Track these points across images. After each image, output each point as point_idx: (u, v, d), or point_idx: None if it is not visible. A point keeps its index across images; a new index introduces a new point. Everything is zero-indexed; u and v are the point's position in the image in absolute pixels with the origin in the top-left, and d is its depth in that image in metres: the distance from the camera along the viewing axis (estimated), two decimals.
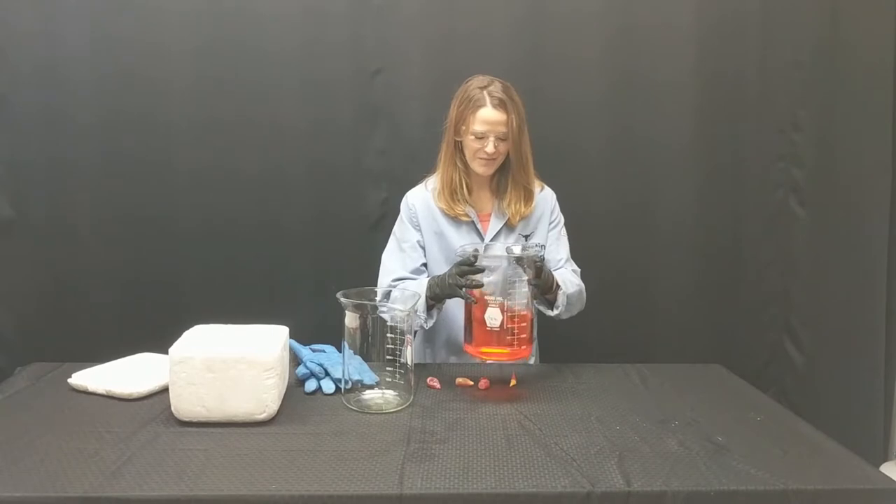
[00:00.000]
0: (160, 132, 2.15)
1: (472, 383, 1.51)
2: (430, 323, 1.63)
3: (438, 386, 1.51)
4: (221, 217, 2.19)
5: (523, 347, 1.46)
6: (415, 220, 1.74)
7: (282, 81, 2.16)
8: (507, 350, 1.44)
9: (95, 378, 1.44)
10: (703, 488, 1.07)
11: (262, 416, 1.27)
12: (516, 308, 1.43)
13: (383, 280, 1.71)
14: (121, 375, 1.46)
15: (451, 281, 1.48)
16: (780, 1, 2.23)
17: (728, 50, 2.24)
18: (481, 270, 1.45)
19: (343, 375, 1.40)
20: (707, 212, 2.29)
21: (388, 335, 1.37)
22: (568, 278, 1.68)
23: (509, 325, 1.42)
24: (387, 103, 2.19)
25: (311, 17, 2.15)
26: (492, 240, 1.73)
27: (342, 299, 1.35)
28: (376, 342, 1.37)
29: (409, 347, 1.39)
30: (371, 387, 1.41)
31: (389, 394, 1.40)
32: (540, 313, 1.62)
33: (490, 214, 1.75)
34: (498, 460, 1.14)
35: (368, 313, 1.36)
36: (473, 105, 1.63)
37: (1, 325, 2.17)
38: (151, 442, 1.19)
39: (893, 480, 1.13)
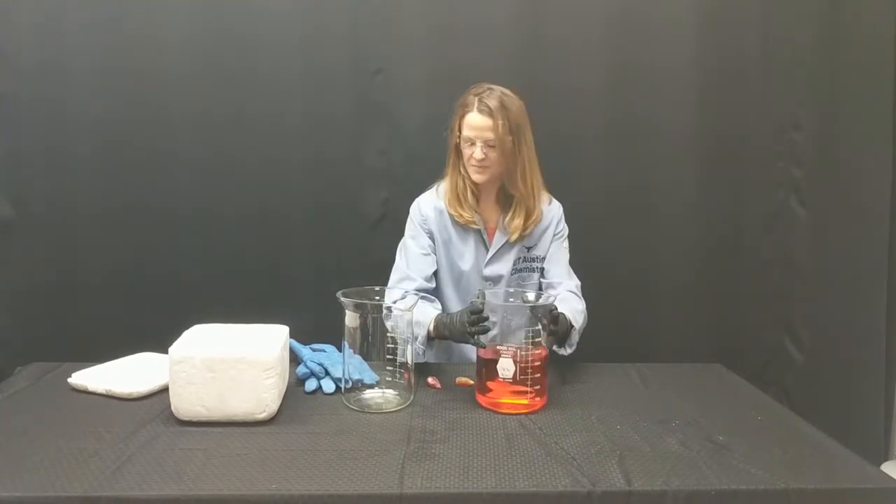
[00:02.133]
0: (160, 132, 2.15)
1: (472, 383, 1.51)
2: (430, 354, 1.63)
3: (438, 386, 1.51)
4: (222, 217, 2.19)
5: (538, 399, 1.40)
6: (426, 226, 1.73)
7: (282, 81, 2.16)
8: (522, 401, 1.38)
9: (95, 378, 1.44)
10: (704, 488, 1.07)
11: (262, 416, 1.27)
12: (530, 358, 1.37)
13: (394, 277, 1.70)
14: (121, 375, 1.46)
15: (461, 328, 1.44)
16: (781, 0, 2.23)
17: (728, 49, 2.23)
18: (487, 319, 1.41)
19: (343, 375, 1.40)
20: (707, 211, 2.29)
21: (389, 335, 1.37)
22: (573, 307, 1.64)
23: (522, 376, 1.37)
24: (387, 102, 2.19)
25: (312, 16, 2.15)
26: (496, 251, 1.72)
27: (342, 299, 1.35)
28: (376, 342, 1.37)
29: (409, 347, 1.39)
30: (371, 386, 1.41)
31: (389, 393, 1.40)
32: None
33: (496, 228, 1.74)
34: (498, 460, 1.14)
35: (368, 313, 1.36)
36: (463, 110, 1.64)
37: (1, 325, 2.16)
38: (151, 442, 1.19)
39: (894, 480, 1.13)
